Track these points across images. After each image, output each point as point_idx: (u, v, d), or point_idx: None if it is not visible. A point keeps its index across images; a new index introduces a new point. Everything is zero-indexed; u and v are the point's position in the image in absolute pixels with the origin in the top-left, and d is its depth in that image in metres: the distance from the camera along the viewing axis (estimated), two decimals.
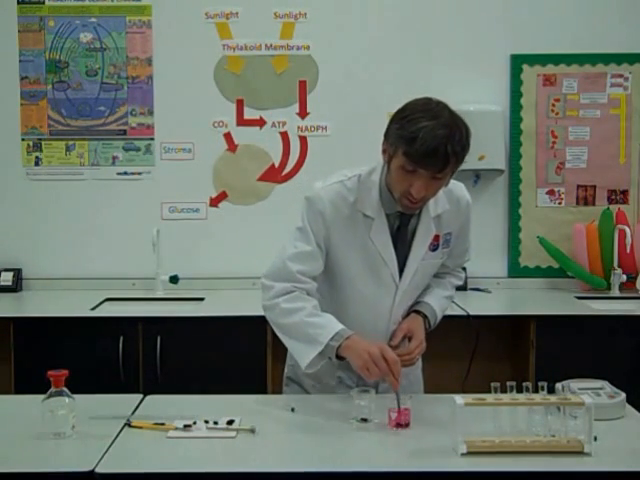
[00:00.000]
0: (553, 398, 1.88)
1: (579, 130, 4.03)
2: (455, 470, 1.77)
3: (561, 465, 1.77)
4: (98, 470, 1.74)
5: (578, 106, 4.03)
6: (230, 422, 1.99)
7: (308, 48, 4.03)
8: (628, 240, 3.78)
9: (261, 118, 4.05)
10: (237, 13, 4.02)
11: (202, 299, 3.84)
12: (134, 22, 4.02)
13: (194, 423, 1.98)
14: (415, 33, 4.02)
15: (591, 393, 2.02)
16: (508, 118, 4.03)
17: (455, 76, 3.96)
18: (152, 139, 4.06)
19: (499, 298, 3.95)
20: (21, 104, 4.04)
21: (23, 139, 4.05)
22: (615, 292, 3.91)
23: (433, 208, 2.20)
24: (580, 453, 1.81)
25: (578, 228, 3.98)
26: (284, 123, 4.05)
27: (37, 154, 4.05)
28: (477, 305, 3.61)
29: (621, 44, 4.00)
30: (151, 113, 4.05)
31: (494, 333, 3.56)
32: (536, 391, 1.88)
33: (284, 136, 4.06)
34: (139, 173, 4.07)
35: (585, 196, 4.07)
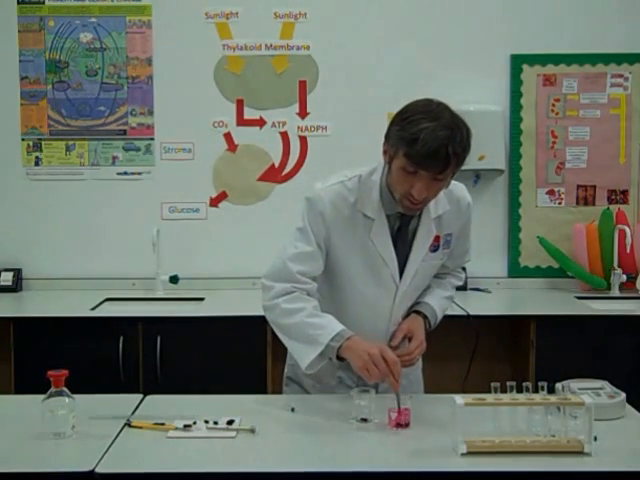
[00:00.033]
0: (553, 398, 1.88)
1: (579, 130, 4.03)
2: (455, 470, 1.76)
3: (561, 465, 1.77)
4: (98, 470, 1.74)
5: (578, 106, 4.03)
6: (230, 422, 1.99)
7: (308, 48, 4.03)
8: (628, 240, 3.78)
9: (261, 118, 4.05)
10: (237, 13, 4.02)
11: (202, 299, 3.84)
12: (134, 22, 4.02)
13: (194, 423, 1.98)
14: (415, 33, 4.02)
15: (591, 393, 2.02)
16: (508, 118, 4.03)
17: (455, 76, 3.96)
18: (152, 139, 4.06)
19: (499, 298, 3.95)
20: (21, 104, 4.04)
21: (23, 139, 4.05)
22: (615, 292, 3.91)
23: (434, 209, 2.20)
24: (580, 453, 1.81)
25: (578, 228, 3.98)
26: (284, 123, 4.05)
27: (37, 154, 4.06)
28: (477, 305, 3.61)
29: (621, 44, 4.00)
30: (151, 113, 4.05)
31: (494, 333, 3.56)
32: (536, 391, 1.88)
33: (284, 136, 4.06)
34: (139, 173, 4.07)
35: (585, 196, 4.07)
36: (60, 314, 3.52)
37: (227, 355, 3.43)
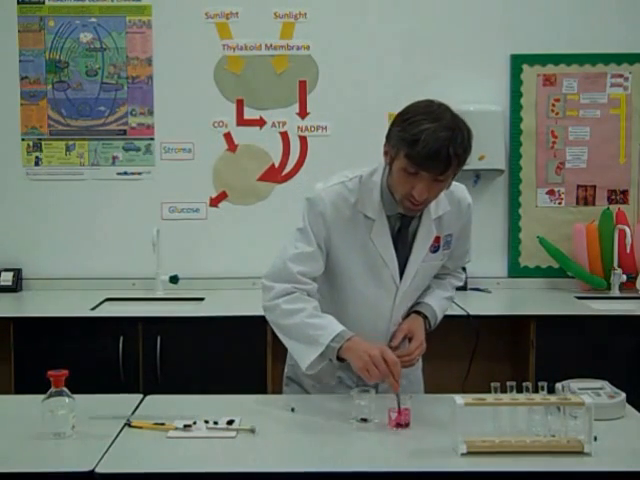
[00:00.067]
0: (553, 398, 1.88)
1: (579, 130, 4.03)
2: (455, 470, 1.77)
3: (561, 465, 1.77)
4: (98, 470, 1.74)
5: (578, 106, 4.03)
6: (230, 422, 1.99)
7: (308, 48, 4.03)
8: (628, 240, 3.78)
9: (261, 118, 4.05)
10: (237, 13, 4.02)
11: (202, 299, 3.84)
12: (134, 22, 4.02)
13: (194, 423, 1.98)
14: (415, 33, 4.02)
15: (591, 393, 2.02)
16: (508, 118, 4.03)
17: (455, 76, 3.96)
18: (152, 139, 4.06)
19: (499, 298, 3.95)
20: (21, 104, 4.04)
21: (23, 139, 4.05)
22: (615, 292, 3.91)
23: (434, 210, 2.20)
24: (580, 453, 1.81)
25: (578, 228, 3.98)
26: (284, 123, 4.05)
27: (37, 154, 4.06)
28: (477, 305, 3.61)
29: (621, 44, 4.00)
30: (151, 113, 4.05)
31: (494, 333, 3.55)
32: (536, 391, 1.88)
33: (284, 136, 4.06)
34: (139, 173, 4.07)
35: (585, 196, 4.07)
36: (60, 314, 3.52)
37: (227, 355, 3.43)
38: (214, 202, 4.08)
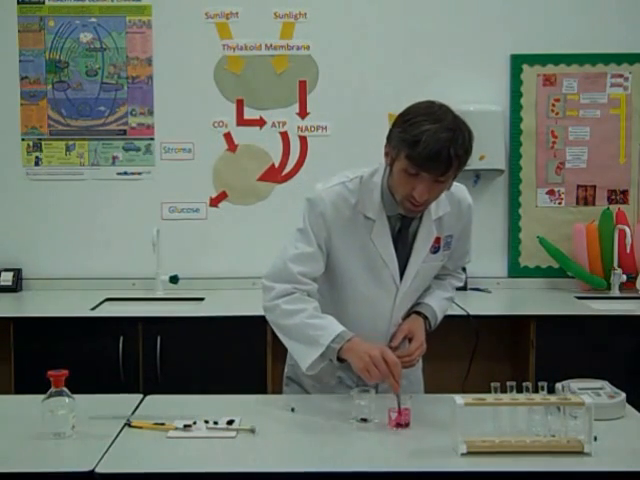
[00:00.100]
0: (553, 398, 1.88)
1: (579, 130, 4.03)
2: (455, 470, 1.77)
3: (561, 465, 1.77)
4: (98, 470, 1.74)
5: (578, 106, 4.03)
6: (230, 422, 1.99)
7: (308, 48, 4.03)
8: (628, 240, 3.78)
9: (261, 118, 4.05)
10: (237, 13, 4.02)
11: (202, 299, 3.84)
12: (134, 22, 4.02)
13: (194, 423, 1.98)
14: (415, 33, 4.02)
15: (591, 393, 2.02)
16: (508, 118, 4.03)
17: (455, 76, 3.96)
18: (152, 139, 4.06)
19: (499, 298, 3.95)
20: (21, 104, 4.04)
21: (23, 139, 4.05)
22: (615, 292, 3.91)
23: (434, 210, 2.20)
24: (580, 453, 1.81)
25: (578, 228, 3.98)
26: (284, 123, 4.05)
27: (37, 154, 4.06)
28: (477, 305, 3.61)
29: (621, 44, 4.00)
30: (151, 113, 4.05)
31: (494, 333, 3.56)
32: (536, 391, 1.88)
33: (284, 136, 4.06)
34: (139, 173, 4.07)
35: (585, 196, 4.07)
36: (60, 314, 3.52)
37: (227, 355, 3.43)
38: (214, 202, 4.08)
